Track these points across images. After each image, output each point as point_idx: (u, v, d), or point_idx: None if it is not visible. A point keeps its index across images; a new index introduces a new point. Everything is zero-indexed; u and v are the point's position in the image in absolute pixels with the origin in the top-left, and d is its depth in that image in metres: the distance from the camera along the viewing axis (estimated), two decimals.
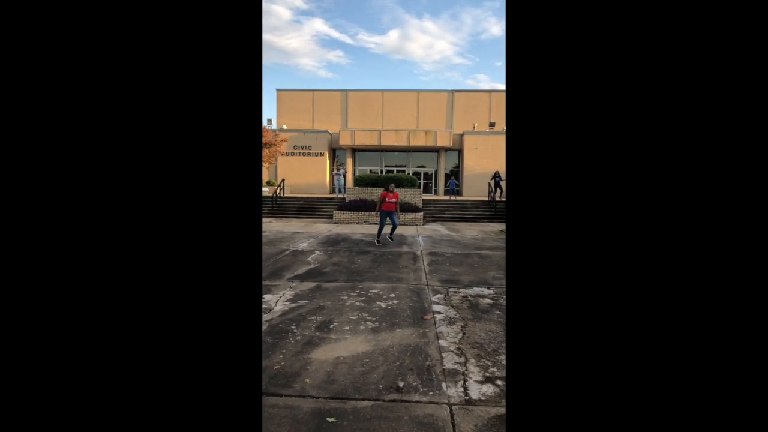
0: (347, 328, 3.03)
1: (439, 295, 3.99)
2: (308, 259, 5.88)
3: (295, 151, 20.06)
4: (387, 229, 9.00)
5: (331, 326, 3.05)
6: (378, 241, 7.50)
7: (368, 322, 3.15)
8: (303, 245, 7.22)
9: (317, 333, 2.91)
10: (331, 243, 7.59)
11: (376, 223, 11.58)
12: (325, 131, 20.46)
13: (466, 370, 2.38)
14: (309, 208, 13.87)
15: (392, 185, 7.45)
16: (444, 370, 2.37)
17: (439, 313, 3.43)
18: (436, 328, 3.06)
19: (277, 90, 22.82)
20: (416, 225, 11.25)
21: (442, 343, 2.77)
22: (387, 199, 7.32)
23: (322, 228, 10.23)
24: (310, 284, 4.36)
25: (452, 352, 2.63)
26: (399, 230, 8.75)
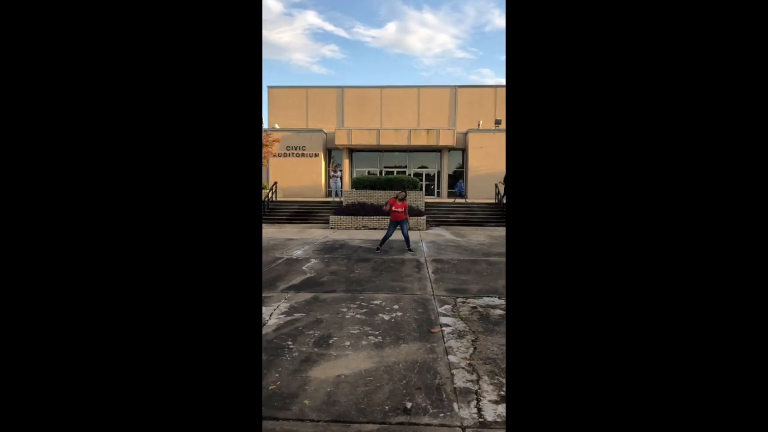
0: (348, 343, 2.99)
1: (446, 306, 3.96)
2: (303, 267, 5.86)
3: (287, 151, 20.06)
4: (395, 236, 8.98)
5: (331, 341, 3.02)
6: (378, 249, 7.49)
7: (371, 337, 3.12)
8: (297, 253, 7.20)
9: (316, 349, 2.87)
10: (328, 250, 7.58)
11: (375, 228, 11.57)
12: (320, 130, 20.48)
13: (479, 388, 2.34)
14: (303, 213, 13.84)
15: (402, 193, 7.45)
16: (455, 388, 2.33)
17: (448, 325, 3.40)
18: (444, 342, 3.02)
19: (269, 87, 22.87)
20: (419, 230, 11.22)
21: (451, 358, 2.73)
22: (394, 208, 7.33)
23: (317, 234, 10.21)
24: (306, 295, 4.33)
25: (463, 368, 2.59)
26: (399, 235, 8.71)
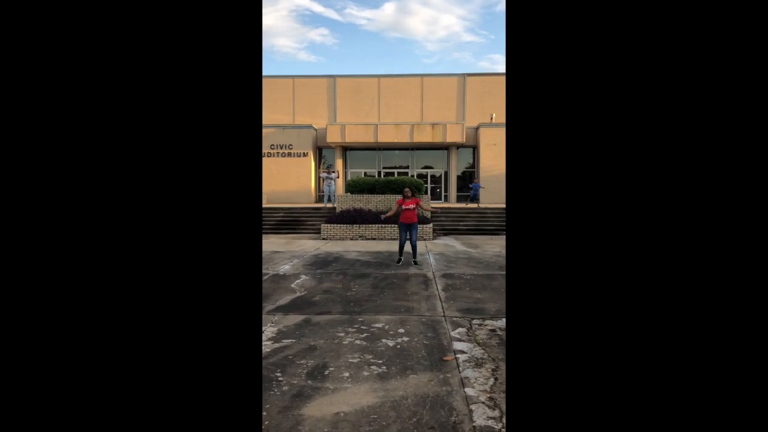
0: (347, 374, 2.95)
1: (460, 329, 3.93)
2: (292, 285, 5.84)
3: (272, 151, 20.10)
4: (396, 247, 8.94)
5: (327, 372, 2.98)
6: (399, 261, 7.43)
7: (373, 367, 3.08)
8: (285, 268, 7.18)
9: (309, 381, 2.83)
10: (320, 264, 7.55)
11: (374, 238, 11.56)
12: (309, 126, 20.54)
13: (503, 426, 2.29)
14: (290, 221, 13.82)
15: (407, 190, 7.38)
16: (474, 427, 2.28)
17: (463, 352, 3.37)
18: (460, 372, 2.99)
19: None
20: (425, 239, 11.20)
21: (469, 391, 2.69)
22: (404, 207, 7.24)
23: (307, 245, 10.19)
24: (296, 318, 4.29)
25: (483, 403, 2.55)
26: (405, 247, 8.68)
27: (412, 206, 7.22)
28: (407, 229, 7.32)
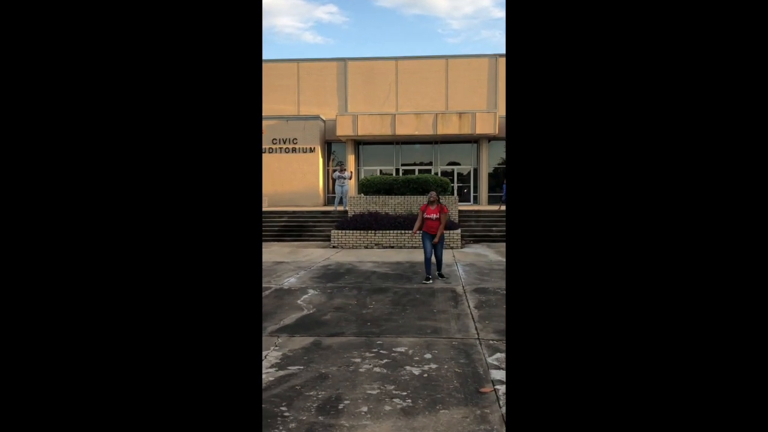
0: (365, 408, 2.91)
1: (498, 355, 3.87)
2: (299, 301, 5.85)
3: (274, 146, 20.29)
4: (420, 256, 8.86)
5: (341, 406, 2.94)
6: (428, 278, 7.18)
7: (396, 400, 3.04)
8: (290, 281, 7.22)
9: (320, 417, 2.80)
10: (331, 277, 7.58)
11: (392, 247, 11.57)
12: (317, 117, 20.68)
13: None
14: (296, 227, 13.91)
15: (433, 194, 7.19)
16: None
17: (503, 382, 3.29)
18: (500, 407, 2.92)
19: None
20: (452, 247, 11.12)
21: None
22: (426, 215, 7.07)
23: (315, 255, 10.25)
24: (304, 340, 4.29)
25: None
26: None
27: (434, 216, 7.02)
28: (431, 239, 7.11)
